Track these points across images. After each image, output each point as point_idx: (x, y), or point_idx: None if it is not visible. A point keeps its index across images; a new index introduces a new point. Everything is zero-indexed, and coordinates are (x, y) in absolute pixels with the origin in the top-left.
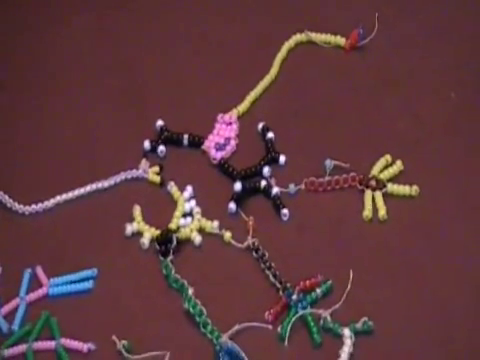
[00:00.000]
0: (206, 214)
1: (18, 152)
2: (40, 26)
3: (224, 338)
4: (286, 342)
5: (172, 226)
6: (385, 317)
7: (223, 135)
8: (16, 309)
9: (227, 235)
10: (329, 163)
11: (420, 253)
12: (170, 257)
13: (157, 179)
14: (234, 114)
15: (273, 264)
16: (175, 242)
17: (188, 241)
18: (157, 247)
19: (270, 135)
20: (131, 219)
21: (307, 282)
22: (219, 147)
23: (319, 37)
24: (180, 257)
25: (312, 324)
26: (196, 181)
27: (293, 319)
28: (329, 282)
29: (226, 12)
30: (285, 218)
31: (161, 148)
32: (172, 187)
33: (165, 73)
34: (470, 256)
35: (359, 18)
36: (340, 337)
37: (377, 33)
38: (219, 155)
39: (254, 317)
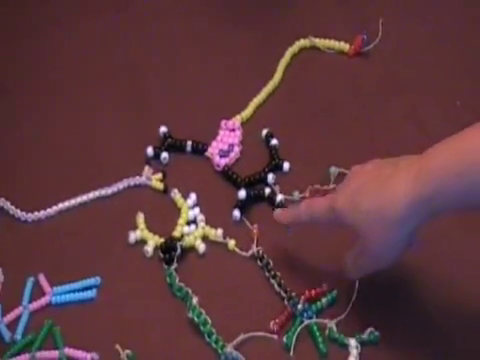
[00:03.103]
0: (210, 222)
1: (21, 159)
2: (43, 31)
3: (229, 348)
4: (291, 352)
5: (176, 234)
6: (391, 327)
7: (227, 142)
8: (19, 318)
9: (231, 243)
10: (334, 170)
11: (426, 263)
12: (174, 265)
13: (160, 186)
14: (238, 120)
15: (278, 273)
16: (179, 250)
17: (192, 249)
18: (161, 255)
19: (274, 142)
20: (134, 227)
21: (312, 291)
22: (223, 154)
23: (323, 43)
24: (184, 265)
25: (318, 334)
26: (200, 188)
27: (298, 329)
28: (334, 292)
29: (230, 18)
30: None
31: (164, 155)
32: (176, 194)
33: (169, 79)
34: (475, 266)
35: (363, 24)
36: (346, 347)
37: (381, 39)
38: (223, 162)
39: (259, 327)
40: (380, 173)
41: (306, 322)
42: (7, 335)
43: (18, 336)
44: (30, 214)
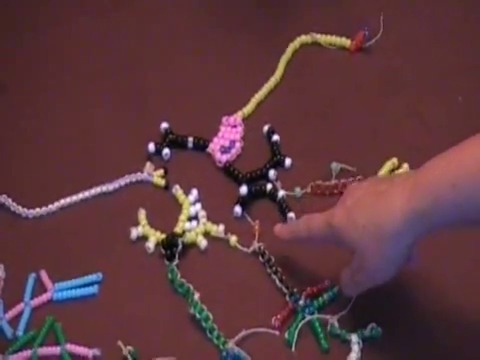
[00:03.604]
0: (211, 218)
1: (22, 155)
2: (42, 28)
3: (230, 344)
4: (293, 348)
5: (177, 230)
6: (393, 323)
7: (228, 138)
8: (20, 314)
9: (233, 239)
10: (335, 166)
11: (427, 258)
12: (175, 261)
13: (162, 182)
14: (239, 116)
15: (279, 269)
16: (180, 246)
17: (194, 245)
18: (162, 251)
19: (275, 138)
20: (136, 223)
21: (314, 287)
22: (224, 150)
23: (324, 38)
24: (186, 261)
25: (319, 330)
26: (201, 184)
27: (300, 325)
28: (336, 287)
29: (231, 14)
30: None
31: (166, 151)
32: (177, 190)
33: (170, 76)
34: (477, 260)
35: (364, 20)
36: (348, 343)
37: (382, 35)
38: (224, 158)
39: (261, 323)
40: (376, 189)
41: (308, 318)
42: (9, 331)
43: (20, 332)
44: (31, 210)
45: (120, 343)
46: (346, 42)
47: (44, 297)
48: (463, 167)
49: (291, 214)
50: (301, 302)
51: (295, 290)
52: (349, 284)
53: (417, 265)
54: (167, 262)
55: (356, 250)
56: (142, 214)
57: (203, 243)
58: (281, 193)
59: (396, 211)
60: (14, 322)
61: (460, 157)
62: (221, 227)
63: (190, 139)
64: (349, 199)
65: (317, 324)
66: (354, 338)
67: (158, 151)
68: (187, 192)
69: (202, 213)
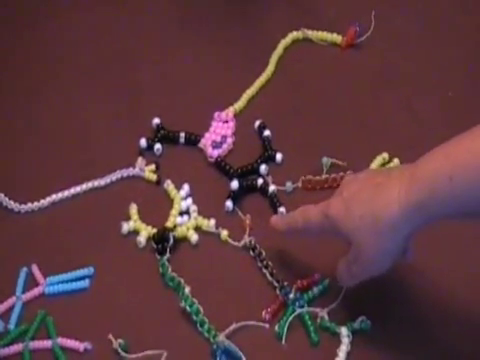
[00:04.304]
0: (203, 212)
1: (14, 150)
2: (35, 23)
3: (221, 337)
4: (283, 341)
5: (169, 224)
6: (382, 316)
7: (220, 133)
8: (12, 308)
9: (224, 233)
10: (326, 161)
11: (417, 251)
12: (167, 256)
13: (153, 177)
14: (231, 112)
15: (270, 263)
16: (172, 241)
17: (185, 240)
18: (154, 245)
19: (267, 133)
20: (127, 217)
21: (304, 281)
22: (216, 145)
23: (316, 35)
24: (177, 256)
25: (309, 323)
26: (193, 179)
27: (290, 318)
28: (326, 281)
29: (223, 9)
30: None
31: (157, 146)
32: (169, 185)
33: (162, 71)
34: (468, 253)
35: (355, 16)
36: (337, 336)
37: (374, 31)
38: (216, 153)
39: (251, 316)
40: (373, 181)
41: (298, 311)
42: (0, 325)
43: (11, 326)
44: (23, 205)
45: (111, 336)
46: (337, 38)
47: (36, 291)
48: (460, 160)
49: (282, 209)
50: (291, 295)
51: (285, 283)
52: (345, 275)
53: (412, 258)
54: (158, 256)
55: (352, 241)
56: (134, 209)
57: (194, 237)
58: (272, 188)
59: (393, 203)
60: (6, 316)
61: (457, 150)
62: (212, 221)
63: (182, 134)
64: (346, 191)
65: (307, 317)
66: (344, 331)
67: (150, 146)
68: (178, 187)
69: (193, 208)
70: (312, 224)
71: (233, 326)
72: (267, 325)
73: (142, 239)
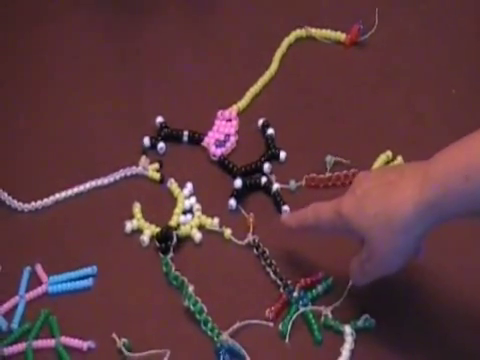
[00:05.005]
0: (206, 211)
1: (17, 149)
2: (39, 22)
3: (224, 336)
4: (287, 339)
5: (172, 223)
6: (386, 314)
7: (223, 132)
8: (15, 307)
9: (227, 232)
10: (330, 159)
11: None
12: (170, 254)
13: (157, 176)
14: (234, 110)
15: (274, 261)
16: (175, 239)
17: (188, 238)
18: (157, 244)
19: (270, 131)
20: (131, 216)
21: (308, 279)
22: (219, 144)
23: (319, 33)
24: (180, 254)
25: (313, 321)
26: (196, 178)
27: (294, 316)
28: (330, 279)
29: (226, 7)
30: None
31: (161, 145)
32: (172, 184)
33: (165, 69)
34: (473, 251)
35: (359, 13)
36: (341, 334)
37: (377, 28)
38: (219, 152)
39: (255, 314)
40: (386, 179)
41: (302, 310)
42: (4, 324)
43: (15, 325)
44: (27, 204)
45: (115, 335)
46: (341, 36)
47: (39, 290)
48: (475, 157)
49: (285, 207)
50: (295, 294)
51: (289, 282)
52: (358, 274)
53: (423, 257)
54: (162, 255)
55: (365, 240)
56: (137, 207)
57: (198, 236)
58: (276, 186)
59: (407, 202)
60: (9, 315)
61: (472, 148)
62: (216, 220)
63: (185, 133)
64: (358, 188)
65: (311, 316)
66: (347, 329)
67: (153, 145)
68: (182, 185)
69: (197, 206)
70: (323, 221)
71: (237, 325)
72: (271, 324)
73: (145, 238)
